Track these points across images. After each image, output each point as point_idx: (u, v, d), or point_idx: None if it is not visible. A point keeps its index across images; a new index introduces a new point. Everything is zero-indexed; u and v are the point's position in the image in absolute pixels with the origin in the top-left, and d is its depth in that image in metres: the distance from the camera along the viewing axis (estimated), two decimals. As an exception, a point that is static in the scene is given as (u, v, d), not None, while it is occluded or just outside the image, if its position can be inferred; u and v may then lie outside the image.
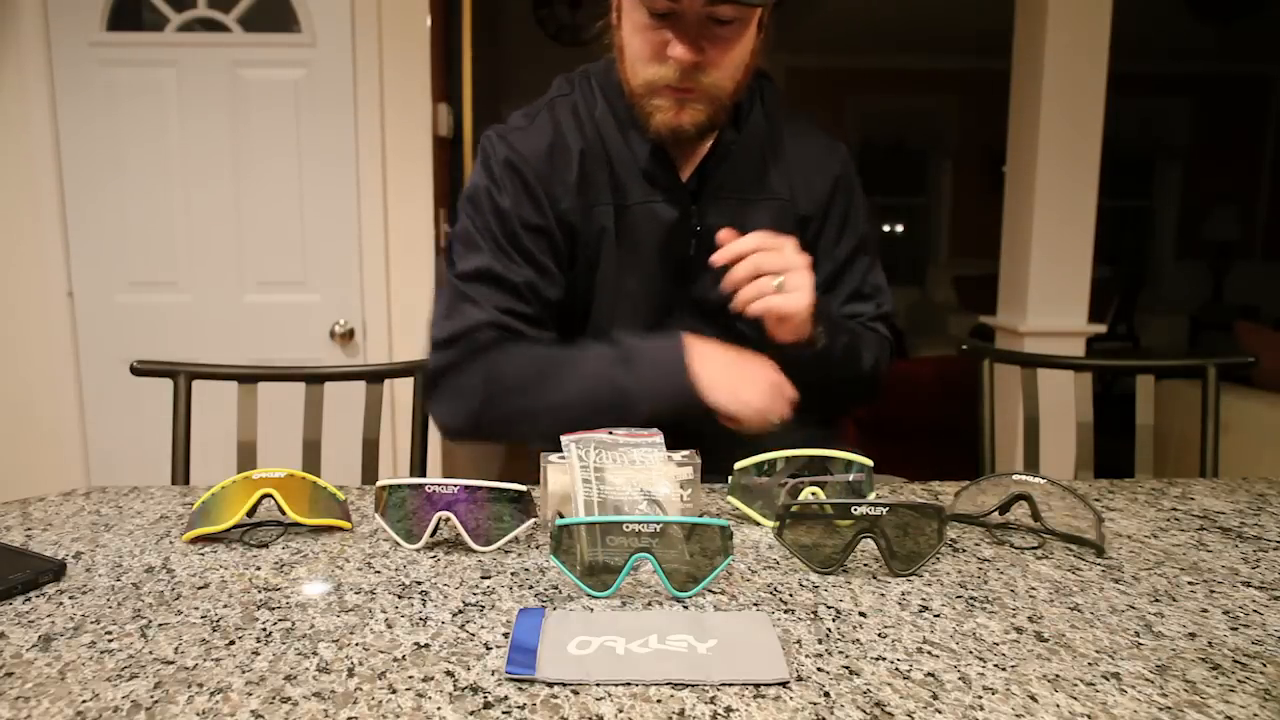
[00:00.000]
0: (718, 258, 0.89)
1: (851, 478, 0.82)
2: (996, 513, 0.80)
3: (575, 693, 0.50)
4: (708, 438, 1.02)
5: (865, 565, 0.71)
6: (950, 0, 4.66)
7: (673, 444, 0.81)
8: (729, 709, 0.48)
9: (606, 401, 0.91)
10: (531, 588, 0.66)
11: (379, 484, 0.75)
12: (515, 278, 0.96)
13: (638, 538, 0.63)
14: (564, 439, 0.79)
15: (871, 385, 1.09)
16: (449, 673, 0.52)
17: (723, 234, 0.90)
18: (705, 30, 0.87)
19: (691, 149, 1.00)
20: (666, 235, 1.00)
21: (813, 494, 0.79)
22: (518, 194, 0.97)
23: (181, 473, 1.16)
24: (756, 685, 0.51)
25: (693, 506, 0.77)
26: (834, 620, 0.60)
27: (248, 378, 1.19)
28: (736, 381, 0.89)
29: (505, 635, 0.57)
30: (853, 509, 0.68)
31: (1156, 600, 0.64)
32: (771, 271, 0.87)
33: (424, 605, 0.62)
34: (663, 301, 1.02)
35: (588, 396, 0.92)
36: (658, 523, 0.63)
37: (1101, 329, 2.56)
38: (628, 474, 0.75)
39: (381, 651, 0.55)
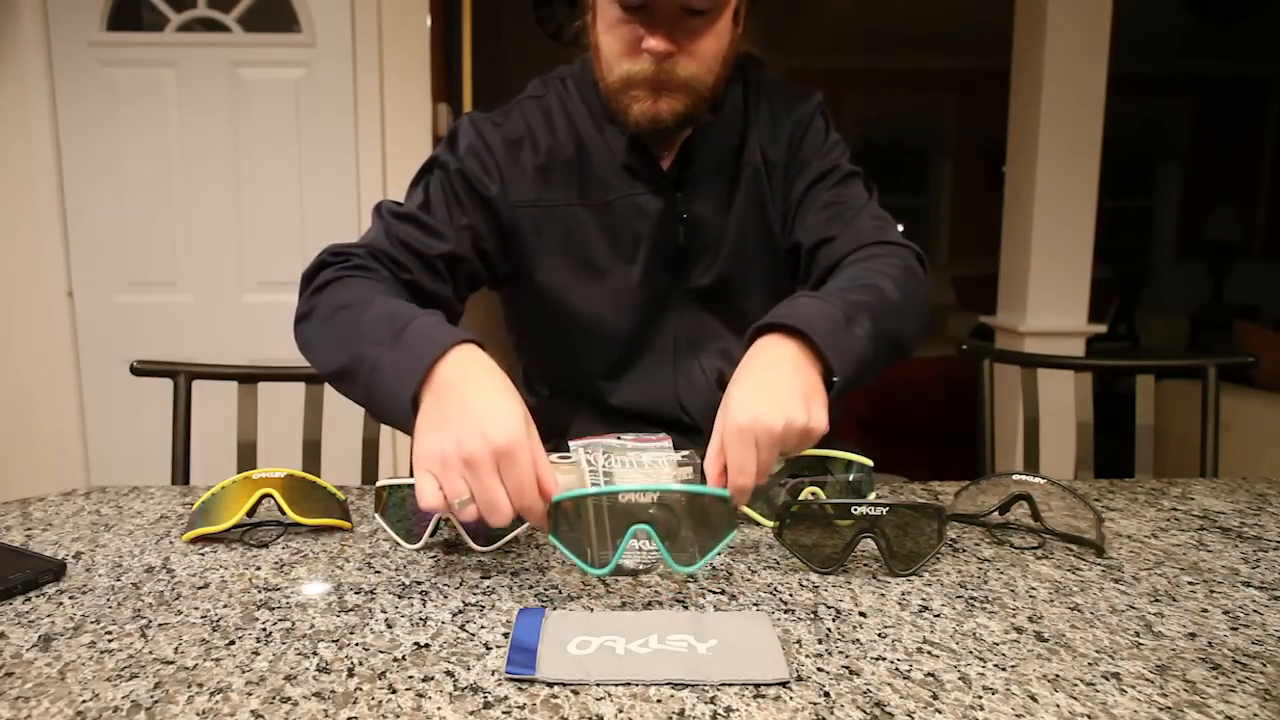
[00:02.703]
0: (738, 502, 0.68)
1: (851, 478, 0.82)
2: (996, 513, 0.80)
3: (575, 693, 0.50)
4: (706, 433, 1.03)
5: (865, 565, 0.71)
6: (950, 0, 4.66)
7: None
8: (729, 709, 0.48)
9: (348, 369, 0.74)
10: (531, 588, 0.66)
11: (379, 484, 0.75)
12: (442, 229, 0.93)
13: (637, 509, 0.61)
14: (571, 443, 0.79)
15: (910, 308, 0.87)
16: (449, 673, 0.52)
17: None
18: (678, 22, 0.87)
19: (672, 140, 1.00)
20: (654, 227, 1.00)
21: (813, 494, 0.79)
22: (475, 167, 0.97)
23: (181, 473, 1.16)
24: (756, 685, 0.51)
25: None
26: (834, 620, 0.60)
27: (248, 378, 1.19)
28: (438, 433, 0.63)
29: (505, 635, 0.57)
30: (853, 509, 0.68)
31: (1156, 600, 0.64)
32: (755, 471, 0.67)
33: (424, 605, 0.62)
34: (657, 293, 1.02)
35: (339, 353, 0.76)
36: (656, 492, 0.62)
37: (1101, 329, 2.56)
38: (637, 478, 0.75)
39: (381, 651, 0.55)
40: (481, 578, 0.68)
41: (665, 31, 0.87)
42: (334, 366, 0.77)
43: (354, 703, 0.49)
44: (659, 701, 0.49)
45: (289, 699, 0.49)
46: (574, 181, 0.99)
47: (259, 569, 0.70)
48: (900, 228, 0.98)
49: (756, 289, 1.04)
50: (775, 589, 0.66)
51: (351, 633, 0.58)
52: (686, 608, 0.62)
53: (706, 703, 0.49)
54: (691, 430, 1.02)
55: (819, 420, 0.68)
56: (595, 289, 1.00)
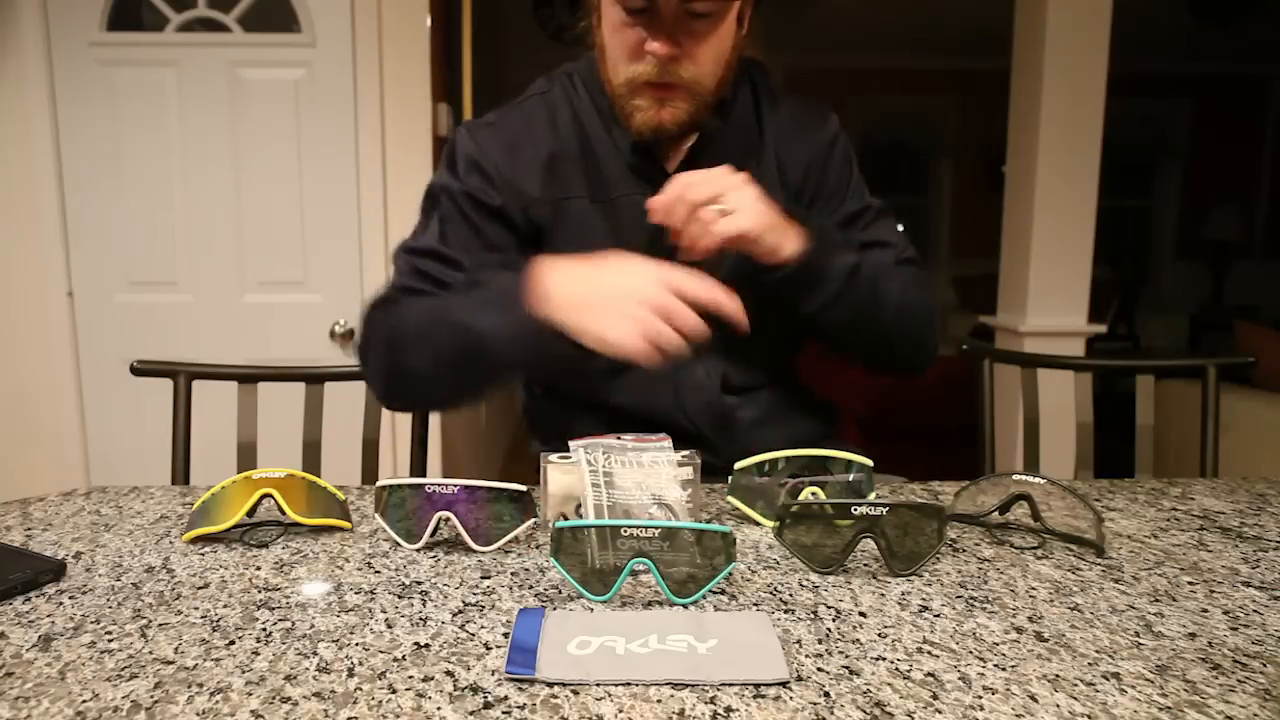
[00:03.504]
0: (653, 217, 0.83)
1: (851, 478, 0.82)
2: (996, 513, 0.80)
3: (575, 693, 0.50)
4: (707, 437, 1.03)
5: (865, 565, 0.71)
6: (950, 0, 4.66)
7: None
8: (729, 709, 0.48)
9: (460, 349, 0.84)
10: (531, 588, 0.66)
11: (379, 484, 0.75)
12: (461, 257, 0.95)
13: (638, 541, 0.63)
14: (571, 443, 0.79)
15: (916, 321, 0.99)
16: (449, 673, 0.52)
17: (651, 200, 0.85)
18: (682, 24, 0.87)
19: (677, 144, 0.99)
20: (656, 227, 1.00)
21: (813, 494, 0.79)
22: (477, 183, 0.97)
23: (181, 473, 1.16)
24: (756, 685, 0.51)
25: (693, 506, 0.77)
26: (834, 620, 0.60)
27: (248, 378, 1.19)
28: (597, 303, 0.76)
29: (505, 635, 0.57)
30: (853, 509, 0.68)
31: (1156, 600, 0.64)
32: (707, 200, 0.82)
33: (424, 605, 0.62)
34: None
35: (445, 346, 0.85)
36: (658, 527, 0.63)
37: (1101, 329, 2.56)
38: (637, 477, 0.75)
39: (381, 651, 0.55)
40: (481, 578, 0.68)
41: (668, 34, 0.87)
42: (440, 341, 0.84)
43: (354, 703, 0.49)
44: (659, 701, 0.49)
45: (289, 699, 0.49)
46: (580, 177, 0.98)
47: (259, 569, 0.70)
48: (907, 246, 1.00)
49: (760, 296, 1.04)
50: (775, 589, 0.66)
51: (351, 633, 0.58)
52: (686, 608, 0.62)
53: (706, 703, 0.49)
54: (691, 433, 1.02)
55: (782, 238, 0.85)
56: None
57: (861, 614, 0.61)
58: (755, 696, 0.50)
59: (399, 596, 0.64)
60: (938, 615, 0.61)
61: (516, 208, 0.97)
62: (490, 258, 0.90)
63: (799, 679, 0.52)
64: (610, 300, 0.75)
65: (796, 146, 1.03)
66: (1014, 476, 0.80)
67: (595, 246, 0.99)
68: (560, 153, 0.98)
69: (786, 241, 0.87)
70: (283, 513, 0.77)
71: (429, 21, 2.30)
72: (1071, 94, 2.42)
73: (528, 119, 1.00)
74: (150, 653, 0.55)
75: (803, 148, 1.03)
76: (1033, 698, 0.50)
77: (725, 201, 0.83)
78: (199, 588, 0.66)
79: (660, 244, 1.00)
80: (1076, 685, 0.51)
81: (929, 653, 0.55)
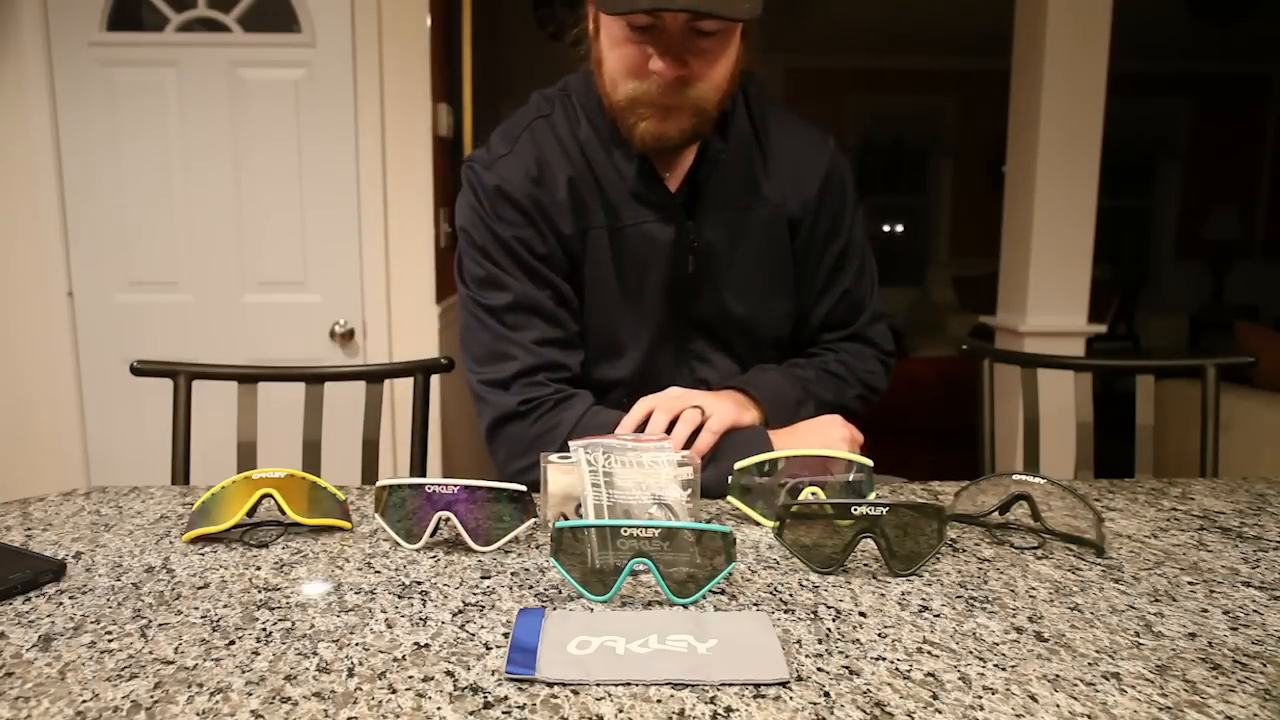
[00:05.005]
0: (620, 433, 0.90)
1: (851, 478, 0.82)
2: (996, 513, 0.80)
3: (575, 693, 0.50)
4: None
5: (865, 565, 0.71)
6: (950, 0, 4.65)
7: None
8: (729, 709, 0.48)
9: None
10: (531, 588, 0.66)
11: (379, 484, 0.75)
12: (544, 303, 0.95)
13: (638, 541, 0.63)
14: (571, 443, 0.79)
15: (867, 404, 1.13)
16: (449, 673, 0.52)
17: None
18: (688, 43, 0.84)
19: (677, 158, 0.98)
20: (664, 255, 0.98)
21: (813, 494, 0.79)
22: (516, 222, 0.95)
23: (181, 473, 1.16)
24: (756, 685, 0.51)
25: (692, 507, 0.77)
26: (834, 620, 0.60)
27: (248, 378, 1.19)
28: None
29: (505, 635, 0.57)
30: (853, 509, 0.68)
31: (1156, 600, 0.64)
32: (680, 410, 0.90)
33: (424, 605, 0.62)
34: (665, 322, 1.01)
35: None
36: (658, 527, 0.63)
37: (1101, 329, 2.56)
38: (637, 477, 0.75)
39: (381, 651, 0.55)
40: (481, 578, 0.68)
41: (674, 54, 0.84)
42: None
43: (354, 703, 0.49)
44: (659, 701, 0.49)
45: (289, 699, 0.49)
46: (597, 204, 0.97)
47: (259, 569, 0.70)
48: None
49: (764, 320, 1.04)
50: (775, 589, 0.66)
51: (351, 633, 0.58)
52: (686, 608, 0.62)
53: (706, 703, 0.49)
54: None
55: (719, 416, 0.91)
56: (606, 313, 1.00)
57: (861, 614, 0.61)
58: (755, 696, 0.50)
59: (399, 596, 0.64)
60: (938, 615, 0.61)
61: (555, 241, 0.96)
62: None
63: (799, 679, 0.52)
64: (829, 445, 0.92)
65: (799, 180, 1.02)
66: (1014, 476, 0.80)
67: (610, 276, 0.98)
68: (576, 180, 0.96)
69: (747, 416, 0.96)
70: (283, 513, 0.77)
71: (429, 21, 2.30)
72: (1071, 94, 2.41)
73: (539, 147, 0.97)
74: (150, 653, 0.55)
75: (805, 181, 1.03)
76: (1033, 698, 0.50)
77: (704, 407, 0.92)
78: (199, 588, 0.66)
79: (669, 273, 0.99)
80: (1076, 685, 0.51)
81: (929, 653, 0.55)
